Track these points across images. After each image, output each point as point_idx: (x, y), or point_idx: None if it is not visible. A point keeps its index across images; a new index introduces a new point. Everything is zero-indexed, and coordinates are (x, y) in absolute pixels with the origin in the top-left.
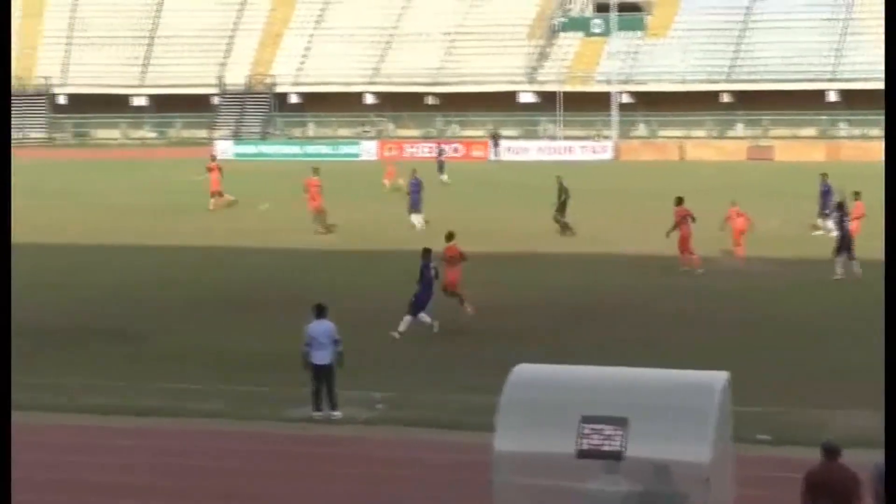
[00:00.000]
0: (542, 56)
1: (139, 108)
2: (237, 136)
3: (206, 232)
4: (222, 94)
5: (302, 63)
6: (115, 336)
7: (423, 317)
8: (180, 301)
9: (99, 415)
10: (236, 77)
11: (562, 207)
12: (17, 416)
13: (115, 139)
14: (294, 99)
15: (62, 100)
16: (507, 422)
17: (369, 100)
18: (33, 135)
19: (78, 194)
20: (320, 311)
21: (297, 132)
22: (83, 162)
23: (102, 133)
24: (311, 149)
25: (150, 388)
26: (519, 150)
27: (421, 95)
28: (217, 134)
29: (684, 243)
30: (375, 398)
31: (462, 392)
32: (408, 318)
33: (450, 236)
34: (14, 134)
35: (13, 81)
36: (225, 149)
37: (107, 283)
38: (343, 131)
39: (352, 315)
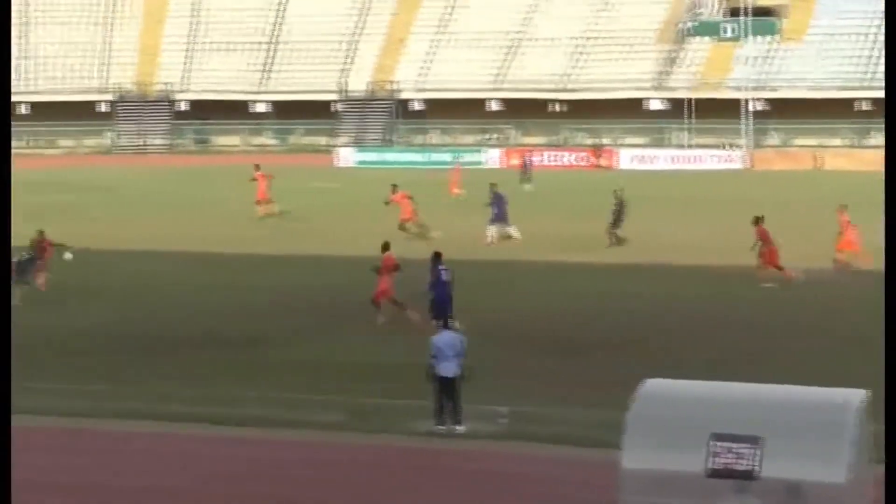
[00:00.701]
0: (671, 62)
1: (260, 115)
2: (359, 144)
3: (323, 239)
4: (344, 101)
5: (425, 69)
6: (235, 345)
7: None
8: (302, 310)
9: (218, 424)
10: (358, 83)
11: (616, 220)
12: (140, 424)
13: (236, 146)
14: (417, 105)
15: (183, 106)
16: (635, 439)
17: (493, 106)
18: (155, 142)
19: (199, 202)
20: (446, 323)
21: (419, 139)
22: (203, 169)
23: (223, 140)
24: (433, 156)
25: (271, 398)
26: (646, 158)
27: (546, 102)
28: (338, 141)
29: (770, 258)
30: (500, 412)
31: (585, 407)
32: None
33: (385, 246)
34: (135, 141)
35: (134, 87)
36: (346, 156)
37: (228, 291)
38: (466, 139)
39: (475, 327)
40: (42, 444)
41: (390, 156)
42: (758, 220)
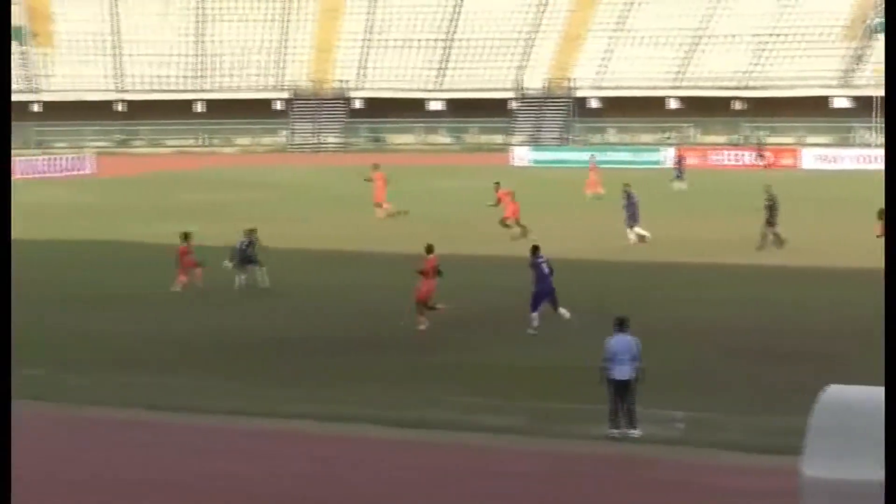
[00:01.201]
0: (858, 59)
1: (435, 113)
2: (535, 142)
3: (492, 239)
4: (520, 99)
5: (603, 66)
6: (408, 347)
7: (560, 311)
8: (472, 311)
9: (394, 427)
10: (535, 81)
11: (770, 219)
12: (314, 426)
13: (411, 144)
14: (594, 104)
15: (358, 104)
16: (817, 446)
17: (672, 105)
18: (329, 140)
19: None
20: (621, 325)
21: (596, 138)
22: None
23: (398, 138)
24: (611, 155)
25: (447, 402)
26: (830, 158)
27: (727, 100)
28: (514, 140)
29: None
30: (676, 417)
31: (763, 413)
32: (533, 315)
33: (429, 249)
34: (310, 139)
35: (309, 85)
36: (522, 155)
37: (400, 292)
38: (645, 137)
39: (649, 329)
40: (223, 447)
41: (566, 154)
42: (882, 215)
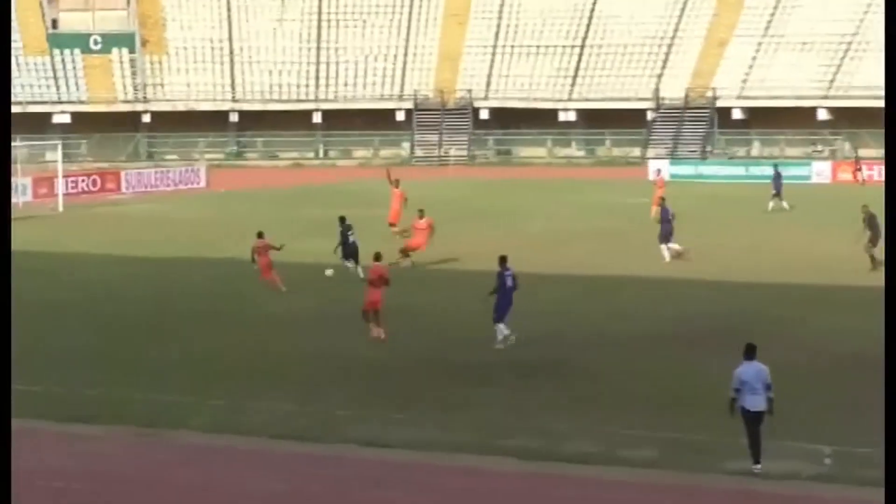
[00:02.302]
0: None
1: (567, 124)
2: (673, 155)
3: (631, 261)
4: (658, 109)
5: (747, 74)
6: (541, 372)
7: (501, 328)
8: (603, 335)
9: (529, 460)
10: (674, 90)
11: (873, 238)
12: (446, 457)
13: (541, 157)
14: (738, 114)
15: (485, 114)
16: None
17: (822, 115)
18: (454, 152)
19: (497, 217)
20: (750, 353)
21: (740, 151)
22: (505, 181)
23: (527, 151)
24: (755, 170)
25: (581, 431)
26: None
27: (882, 111)
28: (651, 153)
29: None
30: (823, 452)
31: None
32: (499, 327)
33: (377, 257)
34: (433, 152)
35: (433, 94)
36: (659, 169)
37: (534, 318)
38: (792, 151)
39: (780, 356)
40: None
41: (707, 169)
42: None
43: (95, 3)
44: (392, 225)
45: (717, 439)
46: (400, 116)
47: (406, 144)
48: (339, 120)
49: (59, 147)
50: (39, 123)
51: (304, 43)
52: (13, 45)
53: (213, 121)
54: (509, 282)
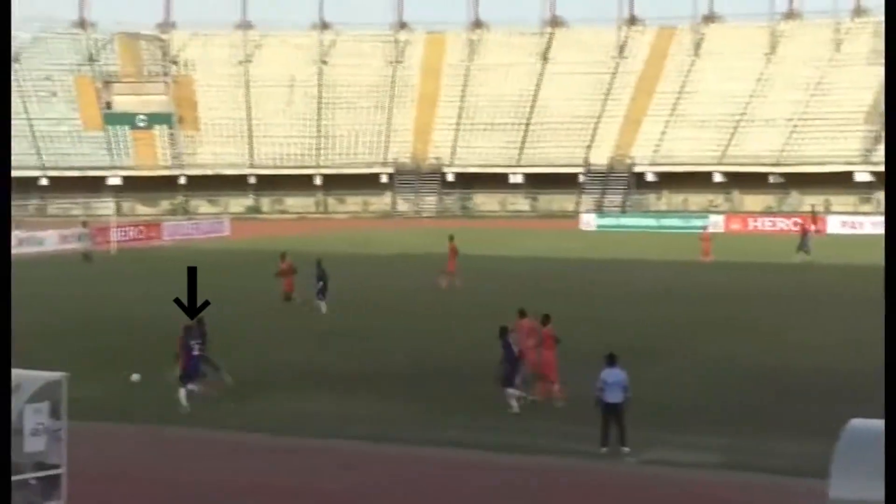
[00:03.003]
0: (876, 140)
1: (515, 185)
2: (599, 210)
3: (574, 295)
4: (587, 173)
5: (658, 145)
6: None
7: (511, 391)
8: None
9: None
10: (600, 158)
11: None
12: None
13: (495, 211)
14: (650, 177)
15: (451, 177)
16: (842, 468)
17: (717, 178)
18: (427, 207)
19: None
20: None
21: (651, 206)
22: (467, 229)
23: (484, 206)
24: (664, 221)
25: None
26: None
27: (765, 175)
28: (582, 207)
29: None
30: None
31: None
32: (509, 391)
33: (522, 313)
34: (410, 206)
35: (409, 161)
36: (588, 221)
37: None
38: (693, 206)
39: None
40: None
41: (627, 220)
42: None
43: (142, 89)
44: (449, 274)
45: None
46: (383, 179)
47: (388, 200)
48: (335, 181)
49: (112, 203)
50: (96, 185)
51: (307, 121)
52: (73, 122)
53: (235, 182)
54: (514, 349)
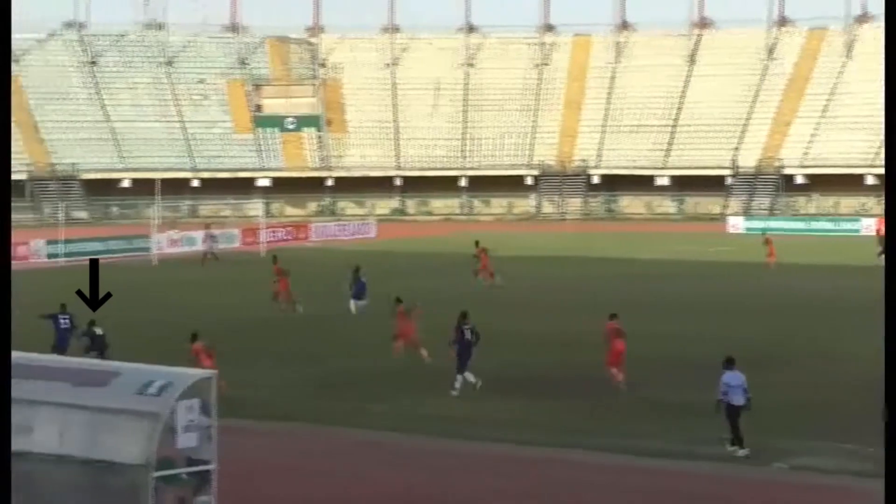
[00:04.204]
0: None
1: (662, 188)
2: (747, 213)
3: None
4: (735, 175)
5: (808, 148)
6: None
7: (468, 375)
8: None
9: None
10: (748, 160)
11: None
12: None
13: (640, 214)
14: (799, 180)
15: (596, 179)
16: None
17: (870, 181)
18: (571, 210)
19: (608, 261)
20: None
21: (801, 210)
22: (613, 234)
23: (629, 209)
24: (814, 224)
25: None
26: None
27: None
28: (729, 210)
29: None
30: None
31: None
32: (459, 377)
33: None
34: (554, 209)
35: (555, 163)
36: (736, 223)
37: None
38: (844, 209)
39: None
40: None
41: (775, 223)
42: None
43: (291, 92)
44: (481, 272)
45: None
46: (528, 181)
47: (533, 203)
48: (481, 183)
49: (262, 205)
50: (245, 187)
51: (453, 123)
52: (224, 125)
53: (380, 184)
54: (468, 335)
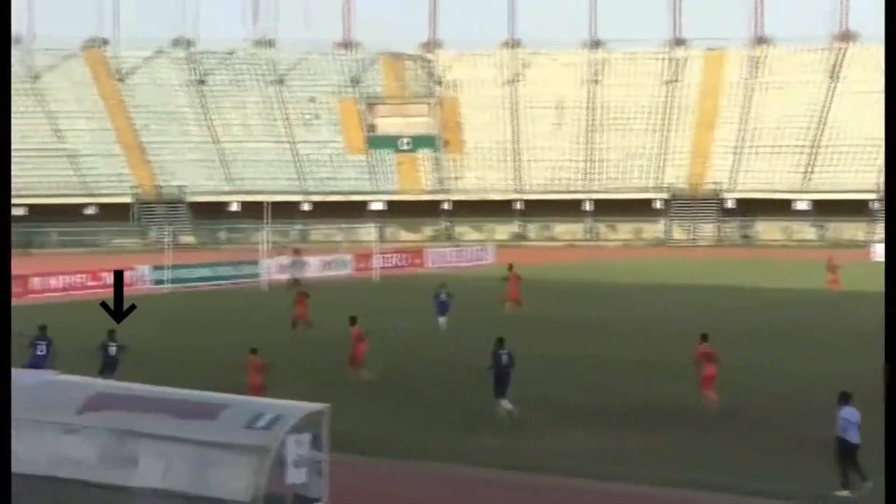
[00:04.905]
0: None
1: (801, 212)
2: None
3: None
4: (881, 199)
5: None
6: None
7: (504, 403)
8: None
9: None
10: None
11: None
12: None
13: (778, 240)
14: None
15: (730, 203)
16: None
17: None
18: (704, 235)
19: (742, 290)
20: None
21: None
22: (748, 261)
23: (766, 234)
24: None
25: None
26: None
27: None
28: (875, 237)
29: None
30: None
31: None
32: (501, 402)
33: (704, 337)
34: (686, 234)
35: (686, 187)
36: (880, 251)
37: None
38: None
39: None
40: None
41: None
42: None
43: (406, 111)
44: (509, 300)
45: None
46: (657, 204)
47: (662, 228)
48: (606, 207)
49: (375, 229)
50: (358, 210)
51: (577, 144)
52: (336, 145)
53: (500, 208)
54: (504, 359)
